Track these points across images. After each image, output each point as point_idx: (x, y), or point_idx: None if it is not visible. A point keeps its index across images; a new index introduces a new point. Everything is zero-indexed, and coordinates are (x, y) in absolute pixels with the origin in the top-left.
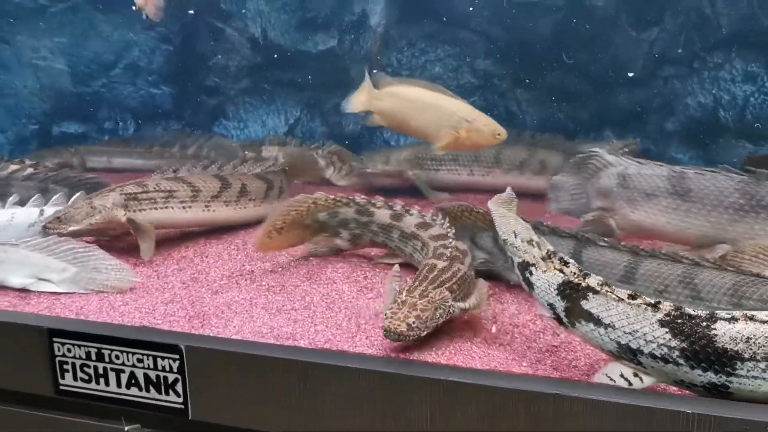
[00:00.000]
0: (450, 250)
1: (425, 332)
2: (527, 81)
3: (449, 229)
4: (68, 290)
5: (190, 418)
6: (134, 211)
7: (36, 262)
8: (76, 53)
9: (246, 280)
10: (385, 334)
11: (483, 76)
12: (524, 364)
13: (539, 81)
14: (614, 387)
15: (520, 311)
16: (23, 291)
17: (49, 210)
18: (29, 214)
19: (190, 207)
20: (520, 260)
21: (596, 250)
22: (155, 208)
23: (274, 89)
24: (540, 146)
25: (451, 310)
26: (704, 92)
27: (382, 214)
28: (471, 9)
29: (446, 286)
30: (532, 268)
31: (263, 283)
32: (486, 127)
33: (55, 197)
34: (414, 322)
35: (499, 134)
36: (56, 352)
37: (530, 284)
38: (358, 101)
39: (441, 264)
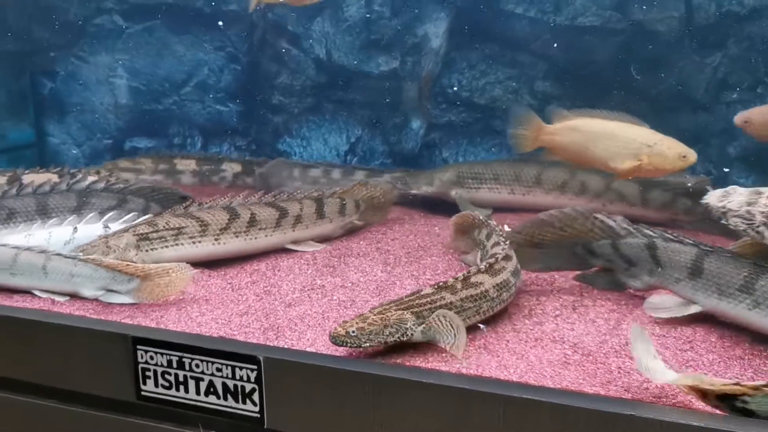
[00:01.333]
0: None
1: (367, 344)
2: (586, 103)
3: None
4: (137, 300)
5: (265, 426)
6: (146, 251)
7: (104, 274)
8: (150, 72)
9: (318, 294)
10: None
11: (542, 98)
12: (595, 384)
13: (599, 104)
14: (689, 410)
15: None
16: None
17: (82, 228)
18: (65, 232)
19: (199, 242)
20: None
21: (718, 258)
22: (166, 246)
23: (337, 108)
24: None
25: (409, 333)
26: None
27: None
28: (531, 32)
29: (413, 310)
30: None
31: (334, 297)
32: (670, 150)
33: (88, 216)
34: (354, 332)
35: (685, 156)
36: (139, 359)
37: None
38: (527, 140)
39: (426, 290)
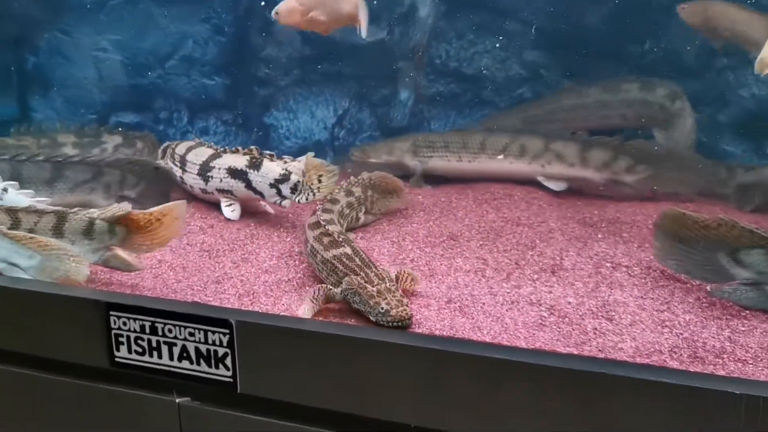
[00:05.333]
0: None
1: None
2: (577, 72)
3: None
4: (34, 277)
5: (238, 391)
6: None
7: (5, 245)
8: (134, 45)
9: (295, 261)
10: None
11: (532, 67)
12: (569, 345)
13: (590, 72)
14: (660, 368)
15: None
16: None
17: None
18: None
19: None
20: None
21: None
22: None
23: (324, 81)
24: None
25: None
26: (758, 84)
27: None
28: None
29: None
30: None
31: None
32: None
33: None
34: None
35: None
36: (112, 325)
37: None
38: None
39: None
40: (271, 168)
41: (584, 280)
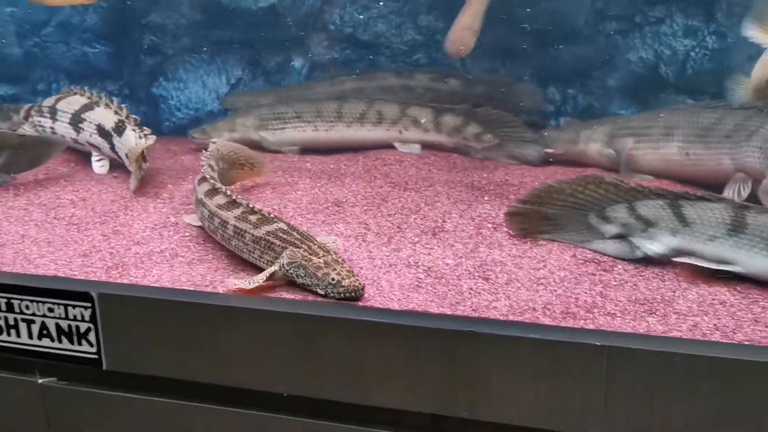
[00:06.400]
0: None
1: None
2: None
3: None
4: None
5: (104, 368)
6: None
7: None
8: (4, 12)
9: (170, 232)
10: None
11: (426, 32)
12: (443, 305)
13: (482, 37)
14: (527, 324)
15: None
16: None
17: None
18: None
19: None
20: None
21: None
22: None
23: (215, 48)
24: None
25: None
26: (646, 47)
27: None
28: None
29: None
30: None
31: (187, 233)
32: None
33: None
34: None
35: None
36: None
37: None
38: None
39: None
40: (129, 139)
41: (464, 241)
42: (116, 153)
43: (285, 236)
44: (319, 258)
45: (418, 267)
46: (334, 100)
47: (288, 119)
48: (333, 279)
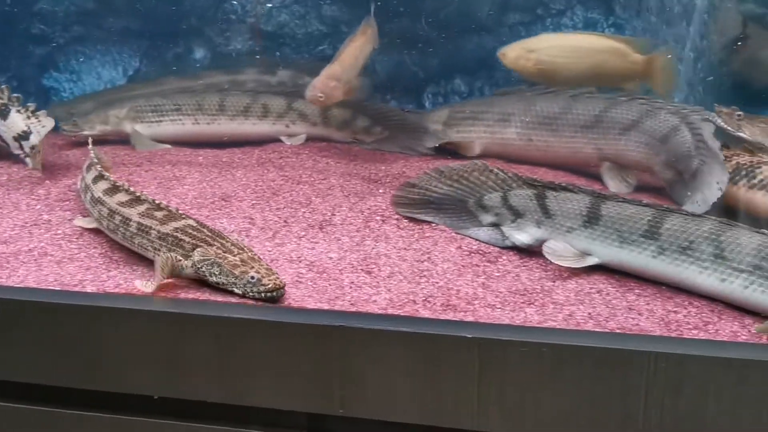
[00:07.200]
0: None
1: None
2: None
3: None
4: None
5: None
6: None
7: None
8: None
9: (41, 230)
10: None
11: (331, 23)
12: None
13: (387, 28)
14: (401, 317)
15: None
16: None
17: None
18: None
19: None
20: None
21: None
22: None
23: (110, 38)
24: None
25: None
26: None
27: None
28: None
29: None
30: None
31: (59, 231)
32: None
33: None
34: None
35: None
36: None
37: None
38: None
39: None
40: (16, 121)
41: (351, 234)
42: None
43: (195, 233)
44: (234, 256)
45: (300, 262)
46: (216, 93)
47: (166, 112)
48: (252, 277)
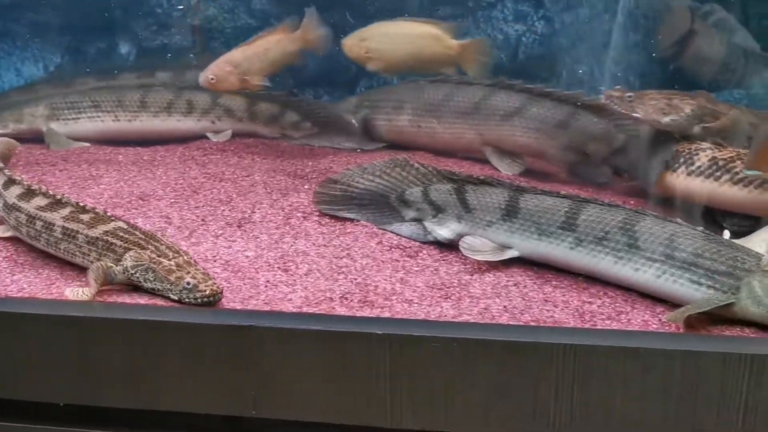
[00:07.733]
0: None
1: None
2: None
3: None
4: None
5: None
6: None
7: None
8: None
9: None
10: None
11: (261, 16)
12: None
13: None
14: (310, 315)
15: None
16: None
17: None
18: None
19: None
20: None
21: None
22: None
23: (30, 33)
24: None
25: None
26: (479, 32)
27: None
28: None
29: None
30: None
31: None
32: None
33: None
34: None
35: None
36: None
37: None
38: None
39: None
40: None
41: (270, 232)
42: None
43: (127, 236)
44: (169, 260)
45: (215, 261)
46: (137, 88)
47: (83, 109)
48: (188, 283)
